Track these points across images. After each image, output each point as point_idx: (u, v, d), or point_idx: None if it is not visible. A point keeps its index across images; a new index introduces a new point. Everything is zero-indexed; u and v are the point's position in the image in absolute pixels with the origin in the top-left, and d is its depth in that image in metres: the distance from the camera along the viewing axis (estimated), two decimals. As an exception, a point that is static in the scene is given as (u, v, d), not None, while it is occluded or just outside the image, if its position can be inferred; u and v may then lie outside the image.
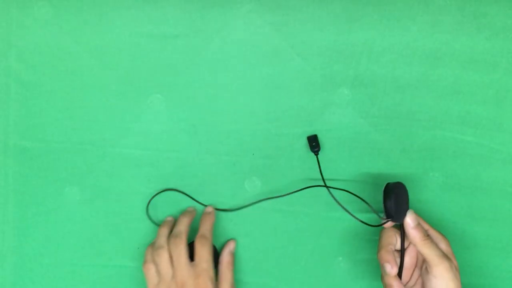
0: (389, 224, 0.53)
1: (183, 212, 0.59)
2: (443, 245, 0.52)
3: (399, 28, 0.59)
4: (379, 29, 0.59)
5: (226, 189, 0.62)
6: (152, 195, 0.61)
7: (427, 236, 0.51)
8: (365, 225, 0.59)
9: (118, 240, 0.63)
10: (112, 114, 0.60)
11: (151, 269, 0.55)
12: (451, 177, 0.61)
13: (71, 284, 0.62)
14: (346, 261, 0.62)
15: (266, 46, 0.60)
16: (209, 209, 0.59)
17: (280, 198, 0.62)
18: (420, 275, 0.53)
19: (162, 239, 0.56)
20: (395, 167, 0.61)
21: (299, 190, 0.59)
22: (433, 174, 0.60)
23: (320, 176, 0.60)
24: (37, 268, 0.63)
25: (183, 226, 0.56)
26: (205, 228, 0.57)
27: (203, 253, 0.54)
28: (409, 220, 0.51)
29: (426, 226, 0.54)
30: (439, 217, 0.60)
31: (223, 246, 0.61)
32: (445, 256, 0.50)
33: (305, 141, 0.61)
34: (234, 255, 0.59)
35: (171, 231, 0.58)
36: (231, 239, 0.60)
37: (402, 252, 0.53)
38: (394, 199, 0.53)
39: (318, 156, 0.59)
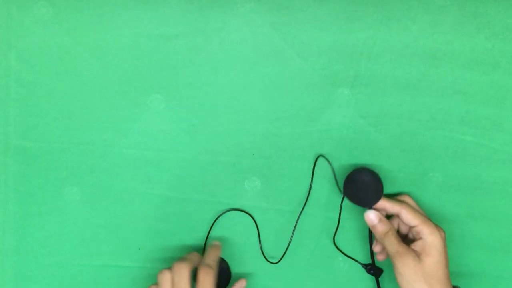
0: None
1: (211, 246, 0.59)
2: (430, 238, 0.52)
3: (399, 28, 0.58)
4: (379, 29, 0.58)
5: (226, 189, 0.62)
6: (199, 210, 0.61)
7: (387, 232, 0.53)
8: (364, 226, 0.59)
9: (118, 240, 0.62)
10: (112, 114, 0.60)
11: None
12: (451, 177, 0.60)
13: (71, 284, 0.62)
14: (346, 261, 0.62)
15: (266, 46, 0.58)
16: (216, 243, 0.59)
17: (280, 198, 0.62)
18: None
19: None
20: (395, 167, 0.61)
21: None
22: (433, 174, 0.60)
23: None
24: (38, 268, 0.62)
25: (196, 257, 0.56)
26: (211, 258, 0.56)
27: (206, 283, 0.52)
28: (370, 218, 0.54)
29: (417, 221, 0.54)
30: (439, 217, 0.60)
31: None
32: (406, 251, 0.51)
33: (304, 141, 0.60)
34: None
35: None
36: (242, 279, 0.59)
37: (370, 240, 0.57)
38: (353, 187, 0.56)
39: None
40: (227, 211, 0.60)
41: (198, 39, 0.59)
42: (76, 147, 0.60)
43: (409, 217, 0.53)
